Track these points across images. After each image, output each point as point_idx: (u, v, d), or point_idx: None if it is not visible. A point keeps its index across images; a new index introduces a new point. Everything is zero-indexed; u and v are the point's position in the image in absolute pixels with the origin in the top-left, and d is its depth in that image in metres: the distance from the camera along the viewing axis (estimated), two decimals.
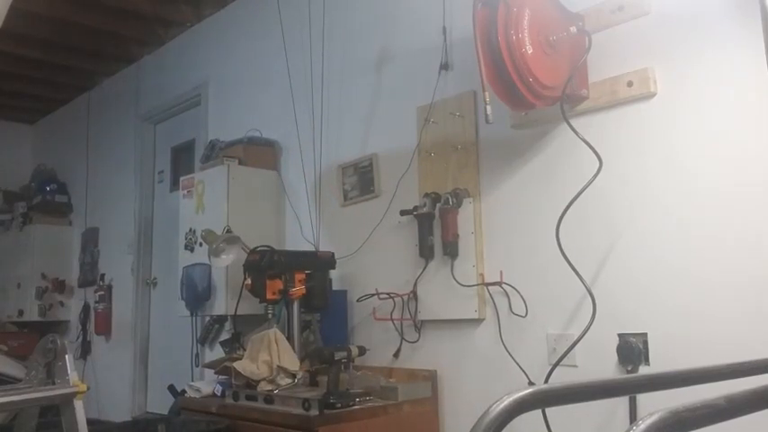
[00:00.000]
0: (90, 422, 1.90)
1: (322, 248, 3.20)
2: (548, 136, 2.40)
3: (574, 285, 2.18)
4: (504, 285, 2.46)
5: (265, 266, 2.71)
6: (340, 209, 3.23)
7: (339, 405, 2.31)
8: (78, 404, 1.85)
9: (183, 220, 3.61)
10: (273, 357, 2.57)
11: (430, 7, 2.83)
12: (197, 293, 3.36)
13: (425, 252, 2.67)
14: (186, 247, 3.53)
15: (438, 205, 2.64)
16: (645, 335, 2.08)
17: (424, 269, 2.70)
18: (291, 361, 2.60)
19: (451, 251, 2.59)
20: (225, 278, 3.27)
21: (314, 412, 2.25)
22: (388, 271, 2.90)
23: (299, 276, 2.79)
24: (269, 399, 2.44)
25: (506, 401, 0.74)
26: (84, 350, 5.22)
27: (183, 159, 4.65)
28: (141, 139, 5.01)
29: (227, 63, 4.17)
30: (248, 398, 2.53)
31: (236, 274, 2.99)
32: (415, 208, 2.70)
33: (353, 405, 2.36)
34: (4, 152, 6.25)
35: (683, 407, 0.73)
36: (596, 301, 2.12)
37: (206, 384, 2.85)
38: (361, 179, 3.12)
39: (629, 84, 2.15)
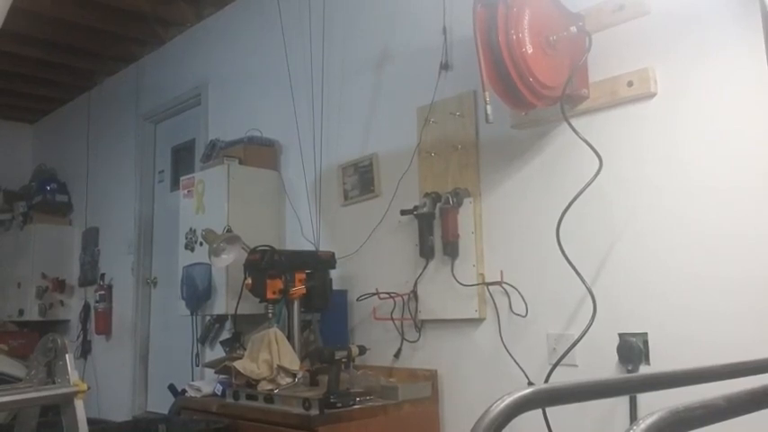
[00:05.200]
0: (90, 422, 1.90)
1: (322, 248, 3.20)
2: (548, 136, 2.40)
3: (574, 285, 2.18)
4: (504, 285, 2.46)
5: (266, 266, 2.71)
6: (340, 208, 3.23)
7: (339, 405, 2.31)
8: (79, 404, 1.85)
9: (184, 219, 3.61)
10: (274, 357, 2.57)
11: (430, 7, 2.83)
12: (197, 293, 3.36)
13: (426, 252, 2.67)
14: (186, 247, 3.53)
15: (438, 205, 2.64)
16: (645, 334, 2.08)
17: (424, 269, 2.70)
18: (292, 360, 2.60)
19: (452, 251, 2.59)
20: (225, 278, 3.27)
21: (314, 412, 2.26)
22: (388, 271, 2.90)
23: (300, 276, 2.80)
24: (269, 398, 2.45)
25: (507, 401, 0.74)
26: (85, 350, 5.22)
27: (183, 159, 4.65)
28: (141, 139, 5.01)
29: (227, 63, 4.17)
30: (248, 397, 2.53)
31: (237, 274, 2.99)
32: (416, 208, 2.70)
33: (354, 405, 2.37)
34: (4, 152, 6.25)
35: (683, 406, 0.73)
36: (596, 301, 2.12)
37: (206, 384, 2.85)
38: (362, 179, 3.12)
39: (630, 84, 2.15)
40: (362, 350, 2.56)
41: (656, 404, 0.74)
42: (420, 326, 2.74)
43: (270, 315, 2.79)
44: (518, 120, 2.46)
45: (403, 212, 2.76)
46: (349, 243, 3.08)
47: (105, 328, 5.02)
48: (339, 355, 2.43)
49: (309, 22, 3.44)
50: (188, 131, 4.57)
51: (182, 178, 3.74)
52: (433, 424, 2.60)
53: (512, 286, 2.44)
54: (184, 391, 2.92)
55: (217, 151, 3.68)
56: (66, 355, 1.90)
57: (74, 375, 1.88)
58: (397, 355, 2.82)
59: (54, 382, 1.90)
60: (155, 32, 4.65)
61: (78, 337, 5.25)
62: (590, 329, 2.12)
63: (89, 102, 5.67)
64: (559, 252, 2.15)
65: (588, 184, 2.13)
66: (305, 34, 3.47)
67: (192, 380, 3.29)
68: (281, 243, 3.49)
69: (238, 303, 2.98)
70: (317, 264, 2.88)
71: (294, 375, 2.57)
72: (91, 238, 5.46)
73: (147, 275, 4.81)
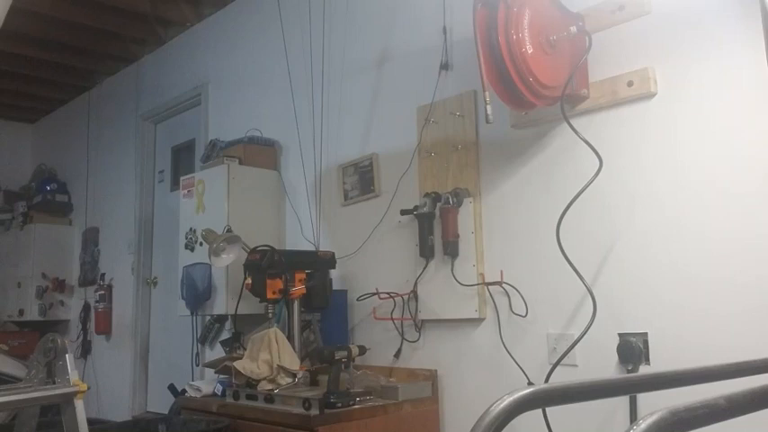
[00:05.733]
0: (90, 422, 1.90)
1: (322, 248, 3.20)
2: (548, 136, 2.40)
3: (574, 285, 2.18)
4: (504, 285, 2.46)
5: (266, 266, 2.71)
6: (340, 208, 3.23)
7: (339, 404, 2.31)
8: (79, 403, 1.85)
9: (184, 219, 3.61)
10: (274, 357, 2.57)
11: (430, 7, 2.83)
12: (197, 293, 3.36)
13: (426, 251, 2.67)
14: (186, 247, 3.53)
15: (438, 205, 2.64)
16: (645, 334, 2.08)
17: (424, 269, 2.70)
18: (292, 360, 2.60)
19: (452, 251, 2.59)
20: (225, 278, 3.27)
21: (314, 412, 2.26)
22: (388, 270, 2.90)
23: (300, 276, 2.80)
24: (269, 398, 2.45)
25: (507, 401, 0.74)
26: (85, 349, 5.23)
27: (183, 159, 4.65)
28: (142, 139, 5.01)
29: (227, 63, 4.17)
30: (249, 397, 2.53)
31: (237, 274, 2.99)
32: (416, 207, 2.70)
33: (354, 405, 2.36)
34: (4, 152, 6.25)
35: (683, 406, 0.73)
36: (596, 301, 2.12)
37: (206, 384, 2.85)
38: (362, 179, 3.12)
39: (630, 84, 2.15)
40: (362, 350, 2.56)
41: (656, 404, 0.74)
42: (420, 326, 2.74)
43: (270, 315, 2.79)
44: (518, 120, 2.46)
45: (403, 212, 2.76)
46: (349, 243, 3.08)
47: (105, 328, 5.01)
48: (339, 355, 2.43)
49: (309, 22, 3.44)
50: (188, 131, 4.57)
51: (182, 178, 3.74)
52: (432, 424, 2.60)
53: (512, 286, 2.44)
54: (184, 391, 2.92)
55: (217, 151, 3.69)
56: (66, 355, 1.90)
57: (74, 375, 1.87)
58: (397, 355, 2.82)
59: (54, 382, 1.90)
60: (155, 32, 4.65)
61: (78, 337, 5.25)
62: (590, 329, 2.11)
63: (89, 102, 5.67)
64: (559, 252, 2.15)
65: (588, 184, 2.13)
66: (305, 34, 3.47)
67: (192, 380, 3.29)
68: (281, 243, 3.49)
69: (238, 303, 2.98)
70: (317, 263, 2.88)
71: (294, 375, 2.56)
72: (91, 238, 5.46)
73: (147, 275, 4.81)
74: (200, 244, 3.38)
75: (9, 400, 1.81)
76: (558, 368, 2.18)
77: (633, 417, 2.03)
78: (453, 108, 2.70)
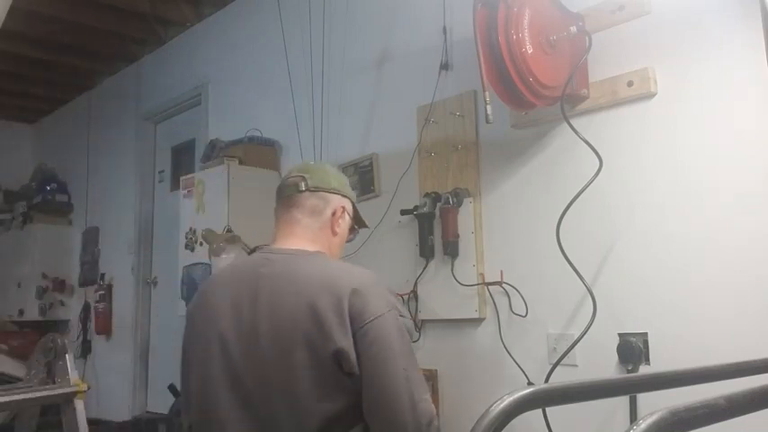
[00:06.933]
0: (90, 421, 1.91)
1: None
2: (548, 136, 2.40)
3: (574, 285, 2.18)
4: (504, 285, 2.46)
5: None
6: None
7: None
8: (79, 403, 1.86)
9: (184, 219, 3.61)
10: None
11: (430, 7, 2.83)
12: None
13: (426, 251, 2.67)
14: (187, 247, 3.53)
15: (438, 205, 2.64)
16: (645, 334, 2.08)
17: (424, 269, 2.70)
18: None
19: (452, 251, 2.59)
20: None
21: None
22: (388, 270, 2.89)
23: None
24: None
25: (506, 401, 0.74)
26: (85, 349, 5.21)
27: (183, 159, 4.65)
28: (142, 139, 5.01)
29: (227, 63, 4.17)
30: None
31: None
32: (416, 207, 2.70)
33: None
34: (4, 152, 6.24)
35: (683, 406, 0.73)
36: (596, 301, 2.12)
37: None
38: (362, 179, 3.12)
39: (630, 84, 2.15)
40: None
41: (656, 404, 0.74)
42: (420, 326, 2.74)
43: None
44: (518, 120, 2.46)
45: (403, 212, 2.76)
46: (349, 243, 3.07)
47: (105, 328, 5.01)
48: None
49: (309, 22, 3.44)
50: (188, 131, 4.57)
51: (182, 178, 3.73)
52: None
53: (512, 286, 2.44)
54: None
55: (217, 151, 3.68)
56: (66, 355, 1.90)
57: (74, 375, 1.88)
58: None
59: (54, 382, 1.90)
60: (155, 32, 4.65)
61: (78, 337, 5.24)
62: (590, 329, 2.11)
63: (89, 102, 5.67)
64: (559, 252, 2.15)
65: (588, 184, 2.13)
66: (305, 34, 3.46)
67: None
68: None
69: None
70: None
71: None
72: (91, 238, 5.46)
73: (147, 275, 4.81)
74: (201, 244, 3.38)
75: (9, 399, 1.81)
76: (558, 368, 2.17)
77: (633, 417, 2.03)
78: (453, 108, 2.70)
